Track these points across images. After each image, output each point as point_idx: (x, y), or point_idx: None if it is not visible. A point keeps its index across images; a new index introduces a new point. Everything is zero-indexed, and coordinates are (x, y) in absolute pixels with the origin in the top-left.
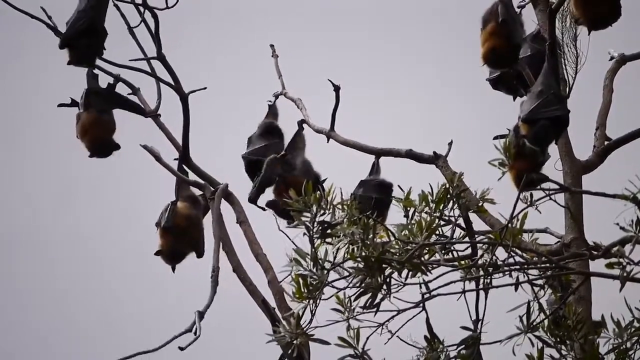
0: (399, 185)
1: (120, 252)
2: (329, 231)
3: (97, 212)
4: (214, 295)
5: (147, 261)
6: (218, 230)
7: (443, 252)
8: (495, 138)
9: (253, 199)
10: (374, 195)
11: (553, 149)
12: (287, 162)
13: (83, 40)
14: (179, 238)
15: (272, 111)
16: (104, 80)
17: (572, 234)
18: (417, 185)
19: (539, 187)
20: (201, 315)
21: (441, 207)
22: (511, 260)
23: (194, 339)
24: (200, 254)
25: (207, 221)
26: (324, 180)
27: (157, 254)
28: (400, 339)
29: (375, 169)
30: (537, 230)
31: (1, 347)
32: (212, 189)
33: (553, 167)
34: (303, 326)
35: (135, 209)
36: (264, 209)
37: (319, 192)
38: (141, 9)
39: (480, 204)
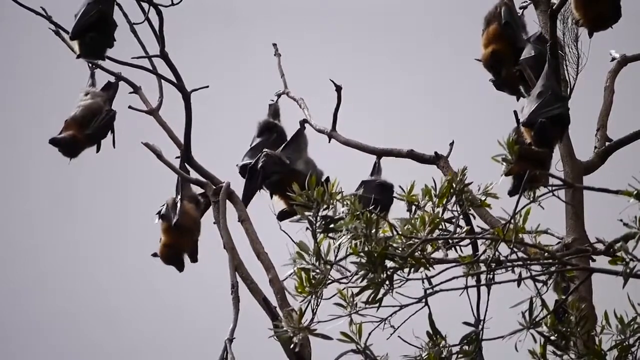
0: (400, 186)
1: (121, 250)
2: (331, 226)
3: (97, 210)
4: (238, 315)
5: (148, 258)
6: (230, 242)
7: (446, 247)
8: (515, 112)
9: (248, 196)
10: (375, 196)
11: (554, 150)
12: (284, 160)
13: (93, 33)
14: (182, 239)
15: (272, 110)
16: (104, 78)
17: (573, 234)
18: (418, 186)
19: (542, 183)
20: (231, 342)
21: (444, 202)
22: (514, 256)
23: None
24: (194, 259)
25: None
26: (327, 179)
27: (155, 255)
28: (402, 339)
29: (376, 169)
30: (538, 231)
31: None
32: (214, 187)
33: (554, 168)
34: (305, 321)
35: (137, 206)
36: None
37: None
38: (145, 6)
39: (484, 199)
